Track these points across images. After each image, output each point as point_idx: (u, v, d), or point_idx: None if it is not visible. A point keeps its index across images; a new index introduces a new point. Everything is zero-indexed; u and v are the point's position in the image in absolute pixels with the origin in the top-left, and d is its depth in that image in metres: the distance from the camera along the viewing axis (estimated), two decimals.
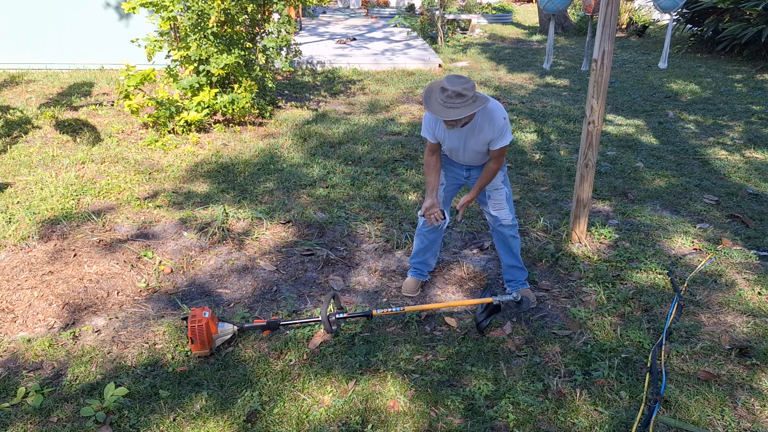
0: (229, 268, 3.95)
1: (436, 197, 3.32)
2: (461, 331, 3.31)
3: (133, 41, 6.40)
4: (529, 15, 18.30)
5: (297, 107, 7.64)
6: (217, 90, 6.42)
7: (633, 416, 2.67)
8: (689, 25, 12.32)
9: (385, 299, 3.65)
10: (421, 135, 3.30)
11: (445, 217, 3.33)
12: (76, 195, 4.86)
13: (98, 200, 4.82)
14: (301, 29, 13.88)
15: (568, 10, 15.68)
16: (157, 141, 6.08)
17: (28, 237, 4.16)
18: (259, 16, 7.06)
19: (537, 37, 14.02)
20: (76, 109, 7.21)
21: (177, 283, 3.78)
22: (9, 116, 6.79)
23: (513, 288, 3.62)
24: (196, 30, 6.20)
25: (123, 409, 2.70)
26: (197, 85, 6.36)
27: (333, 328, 3.18)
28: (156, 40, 6.30)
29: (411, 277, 3.73)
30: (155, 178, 5.30)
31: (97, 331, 3.28)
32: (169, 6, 6.05)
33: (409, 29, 13.57)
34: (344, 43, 11.98)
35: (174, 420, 2.66)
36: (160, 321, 3.36)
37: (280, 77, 9.21)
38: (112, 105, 7.38)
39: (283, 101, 7.88)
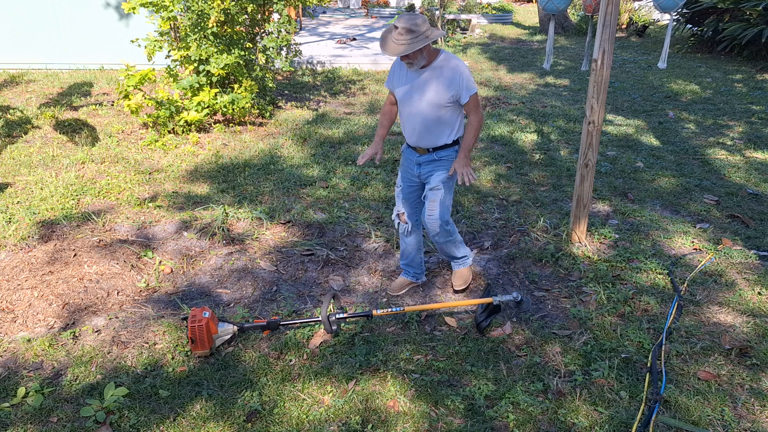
0: (229, 268, 3.95)
1: (381, 147, 3.46)
2: (461, 331, 3.31)
3: (133, 41, 6.41)
4: (529, 15, 18.29)
5: (297, 107, 7.64)
6: (217, 90, 6.42)
7: (633, 416, 2.67)
8: (689, 25, 12.32)
9: (385, 299, 3.65)
10: (385, 86, 3.39)
11: (407, 222, 3.51)
12: (76, 195, 4.86)
13: (98, 200, 4.82)
14: (301, 29, 13.87)
15: (568, 10, 15.67)
16: (157, 141, 6.08)
17: (28, 237, 4.16)
18: (259, 16, 7.06)
19: (537, 37, 14.02)
20: (76, 109, 7.21)
21: (177, 283, 3.79)
22: (9, 116, 6.79)
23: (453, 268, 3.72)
24: (196, 30, 6.20)
25: (123, 409, 2.70)
26: (197, 85, 6.36)
27: (333, 328, 3.17)
28: (156, 40, 6.30)
29: (401, 277, 3.75)
30: (155, 178, 5.30)
31: (97, 331, 3.28)
32: (169, 6, 6.05)
33: None
34: (344, 43, 11.98)
35: (174, 420, 2.66)
36: (160, 321, 3.36)
37: (280, 77, 9.21)
38: (112, 105, 7.38)
39: (283, 101, 7.88)
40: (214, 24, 6.21)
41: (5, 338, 3.20)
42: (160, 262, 3.96)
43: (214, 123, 6.84)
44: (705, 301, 3.57)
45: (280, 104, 7.73)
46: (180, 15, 6.27)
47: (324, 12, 17.86)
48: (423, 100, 3.17)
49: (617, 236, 4.31)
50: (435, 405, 2.77)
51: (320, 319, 3.15)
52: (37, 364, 3.02)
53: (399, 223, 3.54)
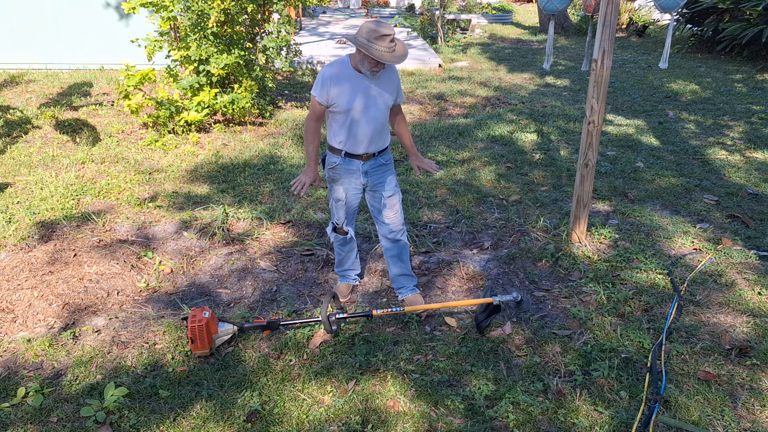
0: (229, 268, 3.95)
1: (317, 171, 3.29)
2: (461, 331, 3.31)
3: (133, 41, 6.41)
4: (529, 15, 18.29)
5: (297, 107, 7.64)
6: (217, 90, 6.42)
7: (633, 416, 2.67)
8: (689, 25, 12.32)
9: (385, 299, 3.65)
10: (312, 94, 3.19)
11: (348, 232, 3.46)
12: (76, 195, 4.86)
13: (98, 200, 4.82)
14: (301, 29, 13.88)
15: (568, 10, 15.67)
16: (157, 141, 6.08)
17: (28, 237, 4.16)
18: (259, 16, 7.06)
19: (537, 37, 14.02)
20: (76, 109, 7.21)
21: (177, 283, 3.78)
22: (9, 116, 6.79)
23: (403, 295, 3.58)
24: (196, 30, 6.20)
25: (123, 409, 2.70)
26: (197, 85, 6.36)
27: (333, 328, 3.17)
28: (156, 40, 6.31)
29: (341, 282, 3.72)
30: (155, 178, 5.30)
31: (97, 331, 3.28)
32: (169, 6, 6.05)
33: (409, 29, 13.56)
34: (344, 43, 11.98)
35: (174, 420, 2.66)
36: (160, 321, 3.36)
37: (280, 77, 9.21)
38: (112, 105, 7.38)
39: (283, 101, 7.88)
40: (214, 24, 6.21)
41: (5, 338, 3.20)
42: (160, 262, 3.96)
43: (214, 123, 6.84)
44: (705, 301, 3.57)
45: (280, 104, 7.73)
46: (180, 15, 6.27)
47: (324, 12, 17.86)
48: (378, 106, 3.15)
49: (617, 236, 4.31)
50: (435, 405, 2.76)
51: (320, 319, 3.15)
52: (37, 364, 3.02)
53: (337, 236, 3.49)
